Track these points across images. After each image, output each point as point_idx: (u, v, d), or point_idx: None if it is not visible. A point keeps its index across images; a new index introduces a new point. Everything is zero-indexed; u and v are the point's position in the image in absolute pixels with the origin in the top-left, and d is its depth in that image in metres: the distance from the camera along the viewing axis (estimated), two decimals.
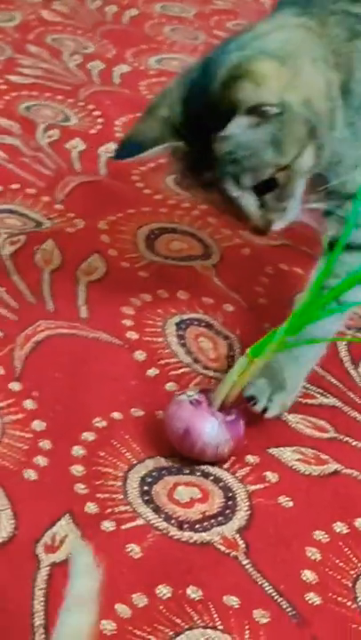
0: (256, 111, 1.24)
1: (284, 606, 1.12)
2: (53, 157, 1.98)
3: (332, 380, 1.44)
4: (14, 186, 1.87)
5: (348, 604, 1.14)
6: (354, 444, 1.34)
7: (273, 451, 1.32)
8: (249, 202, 1.30)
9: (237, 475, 1.28)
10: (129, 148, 1.34)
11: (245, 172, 1.27)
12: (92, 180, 1.91)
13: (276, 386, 1.34)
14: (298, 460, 1.31)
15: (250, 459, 1.30)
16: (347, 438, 1.35)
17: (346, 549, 1.19)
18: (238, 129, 1.24)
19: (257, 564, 1.16)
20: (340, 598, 1.13)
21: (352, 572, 1.17)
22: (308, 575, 1.16)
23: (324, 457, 1.31)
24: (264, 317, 1.55)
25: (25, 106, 2.16)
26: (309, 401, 1.41)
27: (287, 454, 1.31)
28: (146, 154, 1.32)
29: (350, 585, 1.15)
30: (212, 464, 1.29)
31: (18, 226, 1.72)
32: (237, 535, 1.19)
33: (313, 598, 1.13)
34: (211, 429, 1.25)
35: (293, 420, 1.37)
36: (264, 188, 1.29)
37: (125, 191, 1.88)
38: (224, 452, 1.26)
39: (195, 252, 1.70)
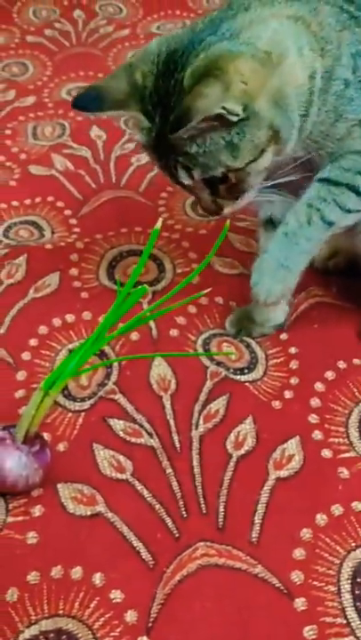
0: (218, 117, 1.22)
1: None
2: (109, 172, 2.05)
3: (171, 420, 1.41)
4: (50, 198, 1.96)
5: None
6: (139, 488, 1.32)
7: (60, 485, 1.32)
8: (200, 189, 1.32)
9: (12, 505, 1.30)
10: (91, 100, 1.28)
11: (197, 166, 1.28)
12: (123, 195, 1.95)
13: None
14: (72, 497, 1.31)
15: (35, 492, 1.32)
16: (135, 482, 1.32)
17: (45, 594, 1.19)
18: (195, 130, 1.23)
19: None
20: None
21: (25, 621, 1.16)
22: None
23: (99, 498, 1.30)
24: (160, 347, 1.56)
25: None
26: (133, 439, 1.39)
27: (68, 490, 1.31)
28: (106, 113, 1.31)
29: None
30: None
31: (24, 238, 1.82)
32: None
33: None
34: (18, 462, 1.29)
35: (103, 455, 1.36)
36: (216, 180, 1.30)
37: (142, 209, 1.90)
38: (36, 482, 1.31)
39: (147, 279, 1.70)
